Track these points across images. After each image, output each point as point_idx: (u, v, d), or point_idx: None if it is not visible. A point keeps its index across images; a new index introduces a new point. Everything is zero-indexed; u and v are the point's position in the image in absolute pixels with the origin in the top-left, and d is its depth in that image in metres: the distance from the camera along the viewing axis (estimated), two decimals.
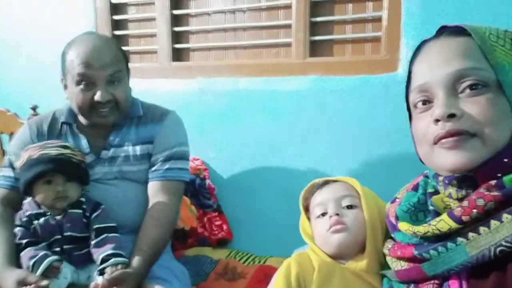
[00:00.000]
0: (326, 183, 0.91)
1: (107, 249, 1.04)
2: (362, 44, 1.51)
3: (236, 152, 1.66)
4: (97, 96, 1.17)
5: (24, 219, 1.08)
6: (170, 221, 1.21)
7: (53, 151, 1.09)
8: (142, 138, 1.27)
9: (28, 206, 1.10)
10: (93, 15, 1.89)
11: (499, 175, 0.57)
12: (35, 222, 1.07)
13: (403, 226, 0.67)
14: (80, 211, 1.10)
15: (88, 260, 1.06)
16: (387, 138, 1.41)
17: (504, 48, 0.61)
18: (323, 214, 0.86)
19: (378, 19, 1.47)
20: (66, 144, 1.15)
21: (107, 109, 1.20)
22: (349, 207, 0.85)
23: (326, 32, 1.55)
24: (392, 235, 0.72)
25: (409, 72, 0.71)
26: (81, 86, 1.17)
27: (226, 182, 1.68)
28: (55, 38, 1.90)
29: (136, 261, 1.08)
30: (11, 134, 1.88)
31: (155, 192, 1.22)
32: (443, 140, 0.61)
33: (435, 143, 0.62)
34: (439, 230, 0.59)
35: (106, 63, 1.17)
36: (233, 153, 1.67)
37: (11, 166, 1.26)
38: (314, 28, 1.55)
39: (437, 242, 0.60)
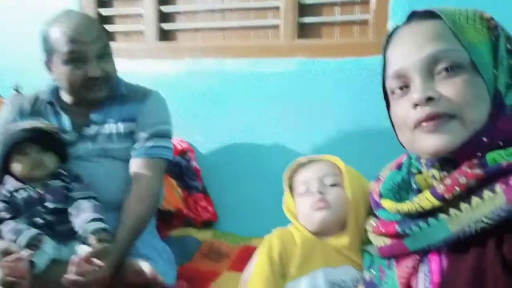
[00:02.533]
0: (309, 161, 0.92)
1: (88, 217, 1.04)
2: (350, 27, 1.51)
3: (223, 134, 1.65)
4: (91, 72, 1.16)
5: (6, 194, 1.06)
6: (153, 197, 1.22)
7: (27, 124, 1.10)
8: (125, 116, 1.26)
9: (8, 181, 1.09)
10: None
11: (479, 154, 0.58)
12: (17, 196, 1.05)
13: (386, 203, 0.68)
14: (61, 182, 1.10)
15: (71, 235, 1.05)
16: (375, 119, 1.41)
17: (475, 28, 0.61)
18: (306, 192, 0.88)
19: (367, 2, 1.47)
20: (40, 119, 1.16)
21: (99, 84, 1.19)
22: (332, 185, 0.87)
23: (315, 14, 1.55)
24: (376, 213, 0.73)
25: (384, 59, 0.70)
26: (71, 64, 1.15)
27: (212, 164, 1.68)
28: (38, 18, 1.86)
29: (119, 234, 1.08)
30: None
31: (138, 169, 1.22)
32: (423, 124, 0.61)
33: (415, 127, 0.62)
34: (422, 207, 0.60)
35: (94, 38, 1.17)
36: (219, 135, 1.66)
37: None
38: (303, 10, 1.55)
39: (419, 218, 0.61)
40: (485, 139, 0.58)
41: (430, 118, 0.60)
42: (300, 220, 0.88)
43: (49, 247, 1.00)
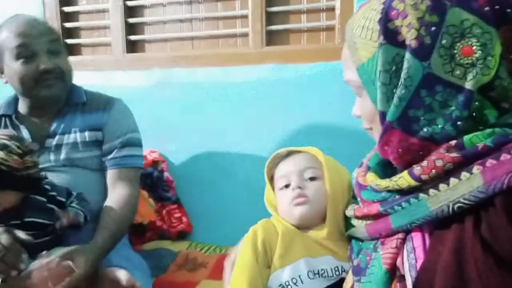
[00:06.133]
0: (289, 154, 0.92)
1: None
2: (317, 33, 1.55)
3: (195, 143, 1.64)
4: (42, 65, 1.15)
5: None
6: (132, 204, 1.21)
7: None
8: (89, 125, 1.24)
9: None
10: (41, 6, 1.81)
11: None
12: None
13: (370, 176, 0.70)
14: (43, 198, 1.05)
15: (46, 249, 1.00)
16: (344, 120, 1.44)
17: (362, 40, 0.61)
18: (287, 186, 0.88)
19: (332, 9, 1.51)
20: (6, 143, 1.00)
21: (52, 79, 1.17)
22: (312, 179, 0.87)
23: (282, 21, 1.58)
24: (359, 197, 0.74)
25: None
26: (22, 59, 1.14)
27: (185, 175, 1.65)
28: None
29: (98, 237, 1.06)
30: None
31: (114, 180, 1.21)
32: None
33: None
34: (399, 186, 0.62)
35: (42, 32, 1.17)
36: (191, 144, 1.64)
37: None
38: (270, 18, 1.57)
39: (400, 198, 0.62)
40: (386, 148, 0.63)
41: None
42: (281, 213, 0.88)
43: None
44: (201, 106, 1.62)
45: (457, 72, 0.57)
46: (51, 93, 1.19)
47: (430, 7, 0.57)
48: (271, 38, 1.58)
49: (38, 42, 1.15)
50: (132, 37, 1.74)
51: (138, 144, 1.29)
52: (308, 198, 0.84)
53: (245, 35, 1.60)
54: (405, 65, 0.58)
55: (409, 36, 0.57)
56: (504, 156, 0.53)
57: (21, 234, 0.97)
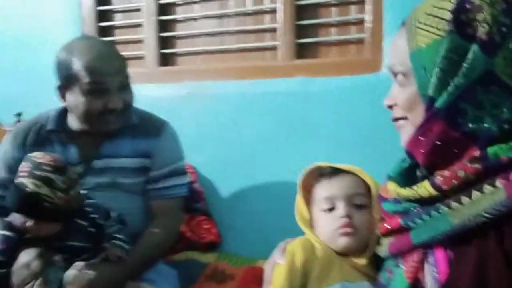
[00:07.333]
0: (334, 172, 0.87)
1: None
2: (347, 46, 1.54)
3: (225, 155, 1.66)
4: (111, 104, 1.13)
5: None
6: (171, 237, 1.25)
7: (30, 185, 0.96)
8: (138, 151, 1.23)
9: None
10: (79, 22, 1.89)
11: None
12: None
13: (390, 185, 0.69)
14: (85, 222, 1.06)
15: None
16: (374, 135, 1.42)
17: (426, 28, 0.62)
18: (330, 209, 0.83)
19: (361, 22, 1.50)
20: (50, 177, 0.98)
21: (116, 115, 1.15)
22: (360, 206, 0.83)
23: (312, 34, 1.58)
24: (381, 210, 0.73)
25: None
26: (91, 95, 1.12)
27: (214, 186, 1.68)
28: (40, 45, 1.90)
29: (130, 258, 1.08)
30: None
31: (158, 210, 1.24)
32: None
33: None
34: (420, 196, 0.61)
35: (117, 69, 1.15)
36: (221, 156, 1.66)
37: None
38: (300, 31, 1.58)
39: (422, 211, 0.62)
40: (421, 138, 0.62)
41: (393, 120, 0.70)
42: (321, 236, 0.84)
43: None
44: (230, 118, 1.64)
45: None
46: (112, 128, 1.18)
47: (505, 10, 0.59)
48: (301, 51, 1.58)
49: (111, 80, 1.12)
50: (164, 51, 1.79)
51: (183, 172, 1.31)
52: (356, 228, 0.81)
53: (274, 48, 1.61)
54: (470, 56, 0.58)
55: (480, 30, 0.58)
56: None
57: (57, 258, 1.00)
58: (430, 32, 0.62)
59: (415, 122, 0.64)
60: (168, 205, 1.25)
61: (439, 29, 0.61)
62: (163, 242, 1.21)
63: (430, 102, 0.61)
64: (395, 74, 0.68)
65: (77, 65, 1.12)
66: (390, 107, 0.70)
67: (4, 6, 2.03)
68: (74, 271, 0.97)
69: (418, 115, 0.63)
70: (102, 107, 1.13)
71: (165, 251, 1.25)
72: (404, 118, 0.67)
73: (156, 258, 1.20)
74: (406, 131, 0.67)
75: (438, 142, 0.60)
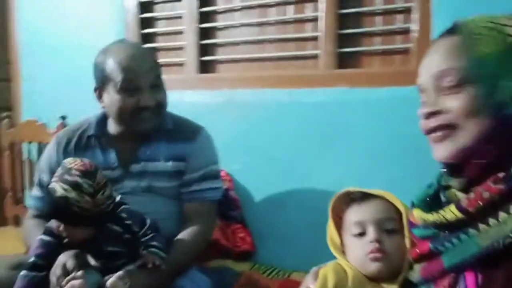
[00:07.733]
0: (364, 197, 0.87)
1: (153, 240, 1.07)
2: (391, 56, 1.50)
3: (261, 164, 1.65)
4: (143, 102, 1.17)
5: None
6: (204, 241, 1.26)
7: (59, 189, 0.98)
8: (174, 155, 1.26)
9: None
10: (123, 29, 1.94)
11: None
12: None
13: (416, 212, 0.69)
14: (120, 229, 1.07)
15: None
16: (417, 149, 1.37)
17: (491, 37, 0.62)
18: (361, 234, 0.84)
19: (407, 31, 1.45)
20: (78, 182, 0.99)
21: (149, 114, 1.19)
22: (390, 231, 0.83)
23: (355, 44, 1.55)
24: (412, 236, 0.74)
25: None
26: (124, 93, 1.16)
27: (250, 194, 1.67)
28: (84, 50, 1.96)
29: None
30: (39, 144, 1.94)
31: (192, 213, 1.25)
32: (429, 136, 0.68)
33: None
34: (446, 220, 0.62)
35: (149, 68, 1.19)
36: (258, 165, 1.66)
37: (40, 184, 1.28)
38: (342, 40, 1.55)
39: (451, 234, 0.62)
40: (486, 147, 0.61)
41: (427, 131, 0.67)
42: (351, 261, 0.85)
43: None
44: (267, 127, 1.63)
45: None
46: (146, 127, 1.21)
47: None
48: (342, 60, 1.55)
49: (142, 79, 1.17)
50: (204, 58, 1.80)
51: (217, 176, 1.32)
52: (387, 253, 0.81)
53: (315, 57, 1.59)
54: None
55: None
56: None
57: (91, 260, 1.02)
58: (496, 39, 0.62)
59: (471, 130, 0.62)
60: (201, 208, 1.26)
61: (506, 35, 0.61)
62: (195, 247, 1.22)
63: (499, 107, 0.60)
64: (442, 78, 0.65)
65: (111, 65, 1.18)
66: (432, 114, 0.66)
67: (57, 13, 2.11)
68: (114, 279, 0.98)
69: (477, 122, 0.62)
70: (134, 105, 1.17)
71: (197, 255, 1.25)
72: (451, 126, 0.64)
73: (188, 263, 1.21)
74: (454, 140, 0.64)
75: (505, 148, 0.60)
